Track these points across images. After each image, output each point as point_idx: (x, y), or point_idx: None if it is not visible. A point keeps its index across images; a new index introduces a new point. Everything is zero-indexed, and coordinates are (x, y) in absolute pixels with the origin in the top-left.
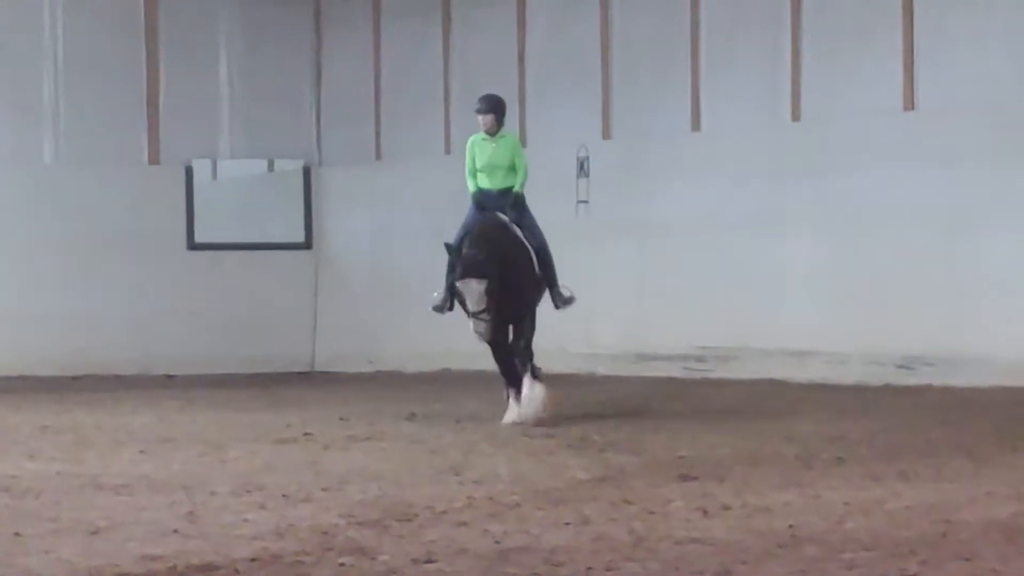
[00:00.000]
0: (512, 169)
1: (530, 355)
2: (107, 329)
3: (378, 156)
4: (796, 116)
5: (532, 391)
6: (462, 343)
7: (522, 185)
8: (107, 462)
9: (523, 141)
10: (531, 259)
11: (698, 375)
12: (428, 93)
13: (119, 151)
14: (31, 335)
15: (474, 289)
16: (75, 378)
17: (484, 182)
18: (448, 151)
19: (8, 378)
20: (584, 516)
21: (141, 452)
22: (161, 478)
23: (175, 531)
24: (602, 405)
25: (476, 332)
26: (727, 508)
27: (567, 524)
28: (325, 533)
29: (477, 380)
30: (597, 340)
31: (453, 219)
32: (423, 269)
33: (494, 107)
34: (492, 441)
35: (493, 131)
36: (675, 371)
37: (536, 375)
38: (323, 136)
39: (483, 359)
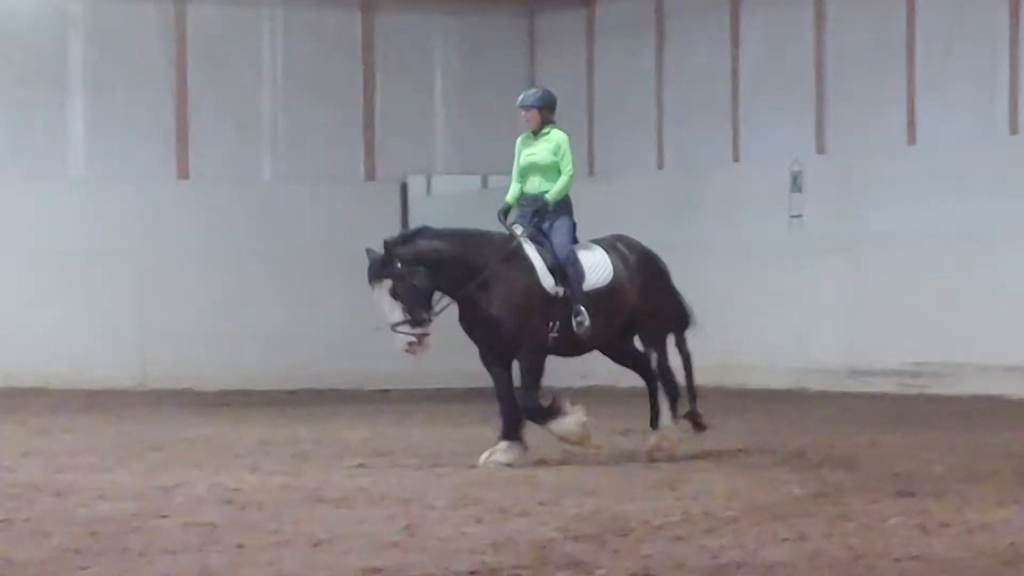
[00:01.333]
0: (556, 171)
1: (674, 390)
2: (324, 344)
3: (591, 172)
4: (1014, 129)
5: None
6: (674, 359)
7: (560, 192)
8: (326, 475)
9: (735, 155)
10: (526, 277)
11: (914, 391)
12: (640, 109)
13: (336, 168)
14: (249, 350)
15: (380, 296)
16: (292, 392)
17: (526, 186)
18: (661, 166)
19: (227, 392)
20: (801, 532)
21: (359, 466)
22: (379, 491)
23: (395, 544)
24: (816, 421)
25: (402, 351)
26: (946, 525)
27: (784, 540)
28: (542, 547)
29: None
30: (810, 355)
31: (666, 236)
32: None
33: (538, 101)
34: (707, 456)
35: (537, 128)
36: (890, 387)
37: (696, 419)
38: None
39: (696, 373)
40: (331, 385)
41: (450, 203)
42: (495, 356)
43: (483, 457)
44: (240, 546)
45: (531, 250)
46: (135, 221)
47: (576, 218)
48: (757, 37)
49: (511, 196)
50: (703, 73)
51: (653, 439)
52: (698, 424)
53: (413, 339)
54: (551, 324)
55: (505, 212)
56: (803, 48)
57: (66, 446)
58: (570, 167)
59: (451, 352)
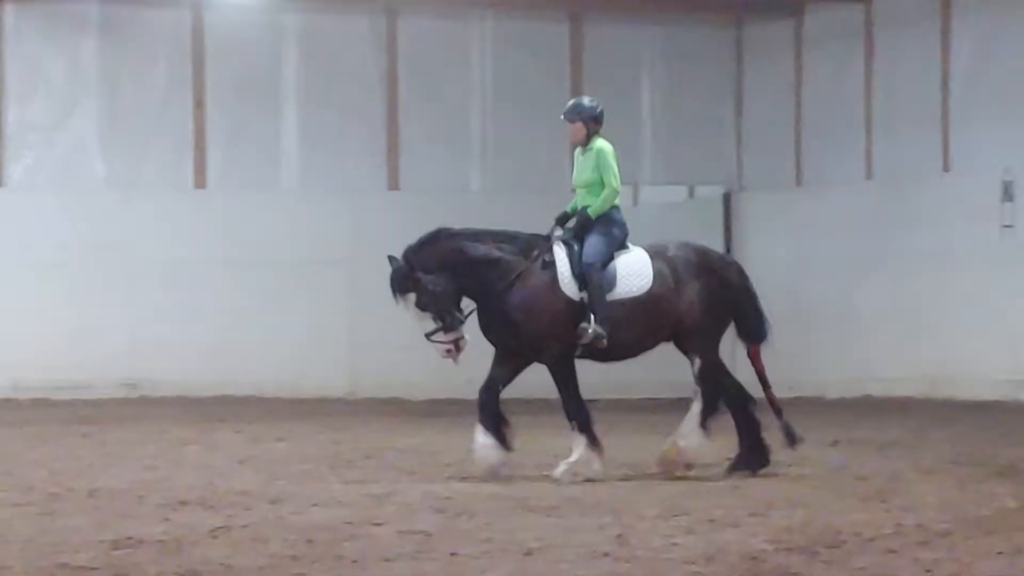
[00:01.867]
0: (600, 186)
1: (711, 404)
2: None
3: (798, 182)
4: None
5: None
6: (886, 369)
7: (601, 207)
8: (535, 484)
9: (945, 164)
10: (549, 281)
11: None
12: (849, 118)
13: (543, 178)
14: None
15: (407, 309)
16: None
17: (580, 202)
18: (869, 176)
19: (435, 401)
20: (1016, 546)
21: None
22: (589, 501)
23: (606, 554)
24: None
25: (442, 358)
26: None
27: (999, 554)
28: (754, 559)
29: (897, 406)
30: (1023, 366)
31: (875, 247)
32: (842, 297)
33: (579, 113)
34: (917, 468)
35: (584, 141)
36: None
37: (789, 434)
38: (743, 162)
39: (905, 384)
40: (538, 395)
41: (656, 213)
42: (511, 359)
43: (482, 460)
44: (453, 554)
45: (560, 254)
46: (346, 232)
47: (783, 227)
48: (968, 44)
49: (571, 206)
50: (912, 81)
51: (666, 449)
52: (791, 438)
53: (449, 346)
54: (583, 325)
55: (562, 219)
56: (1017, 54)
57: (280, 454)
58: (613, 181)
59: (658, 363)
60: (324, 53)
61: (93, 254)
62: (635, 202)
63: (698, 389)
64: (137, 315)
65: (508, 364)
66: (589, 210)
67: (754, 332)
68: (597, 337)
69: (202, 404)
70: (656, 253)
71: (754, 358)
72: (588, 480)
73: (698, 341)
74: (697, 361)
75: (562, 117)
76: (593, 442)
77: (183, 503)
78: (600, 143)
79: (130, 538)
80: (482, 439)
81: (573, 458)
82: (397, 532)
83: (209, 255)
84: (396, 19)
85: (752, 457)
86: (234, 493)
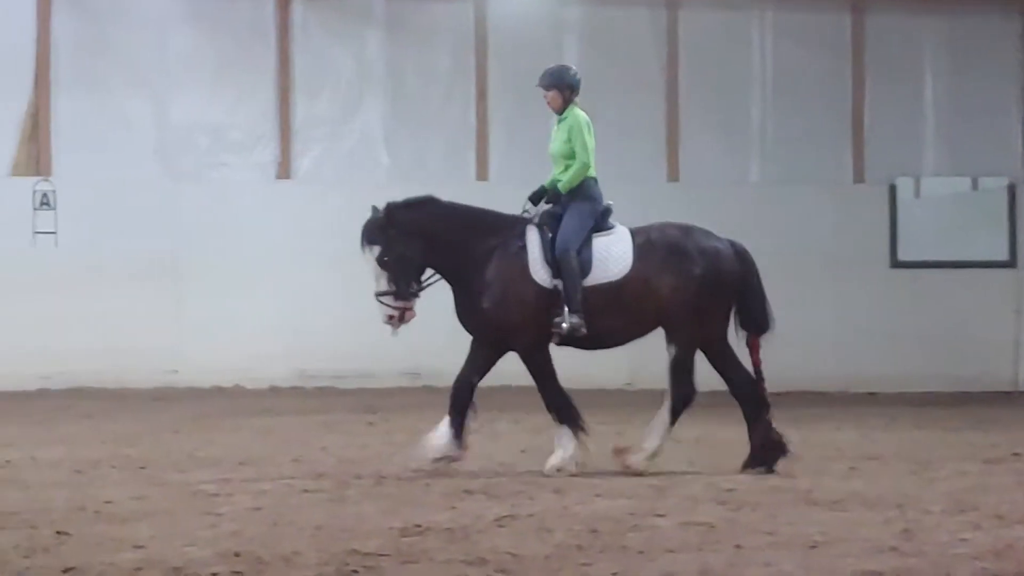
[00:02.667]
0: (573, 158)
1: (681, 399)
2: (808, 347)
3: None
4: None
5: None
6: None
7: (571, 181)
8: (817, 478)
9: None
10: (520, 268)
11: None
12: None
13: (823, 170)
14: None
15: (368, 261)
16: (779, 394)
17: (554, 174)
18: None
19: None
20: None
21: (851, 468)
22: (873, 495)
23: (892, 548)
24: None
25: (383, 322)
26: None
27: None
28: None
29: None
30: None
31: None
32: None
33: (555, 81)
34: None
35: (559, 110)
36: None
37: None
38: None
39: None
40: (816, 388)
41: (939, 205)
42: (487, 348)
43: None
44: (738, 547)
45: (533, 239)
46: (627, 223)
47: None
48: None
49: (548, 180)
50: None
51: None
52: (775, 444)
53: (393, 313)
54: (556, 319)
55: (537, 196)
56: None
57: None
58: (584, 154)
59: (936, 356)
60: (605, 46)
61: None
62: (917, 194)
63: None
64: (419, 306)
65: (482, 354)
66: (559, 185)
67: (753, 322)
68: (574, 328)
69: (481, 394)
70: (640, 234)
71: (752, 349)
72: (576, 471)
73: (679, 330)
74: (672, 350)
75: (537, 84)
76: (577, 432)
77: (468, 492)
78: (576, 113)
79: (418, 525)
80: (443, 430)
81: (562, 452)
82: (680, 524)
83: None
84: (677, 11)
85: (765, 453)
86: (518, 482)
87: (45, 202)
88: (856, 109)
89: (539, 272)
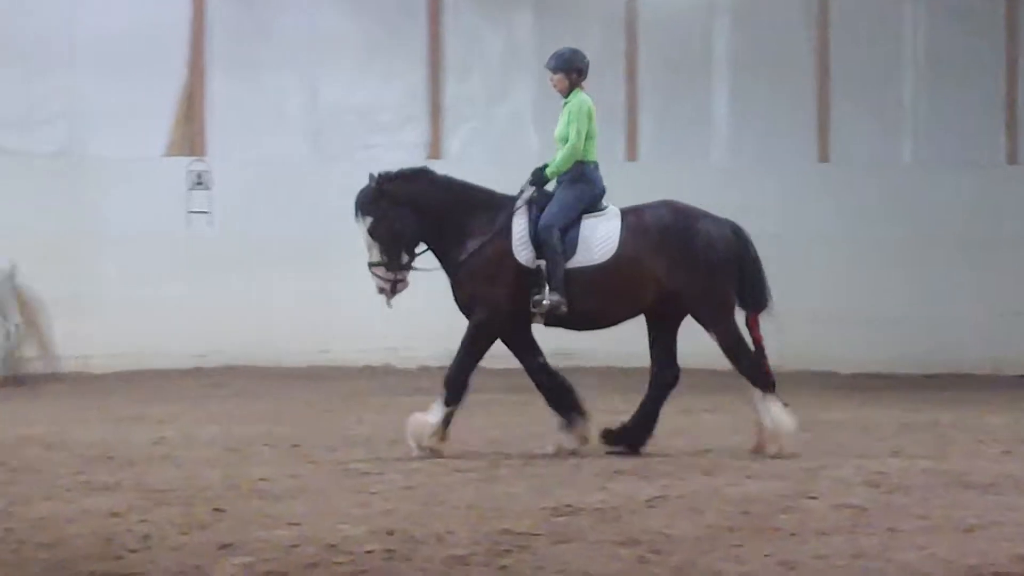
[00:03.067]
0: (567, 141)
1: (758, 374)
2: (958, 329)
3: None
4: None
5: None
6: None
7: (560, 164)
8: (970, 460)
9: None
10: (502, 246)
11: None
12: None
13: (976, 152)
14: (883, 334)
15: (360, 231)
16: (929, 377)
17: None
18: None
19: (862, 375)
20: None
21: (1004, 452)
22: None
23: None
24: None
25: (376, 293)
26: None
27: None
28: None
29: None
30: None
31: None
32: None
33: (564, 64)
34: None
35: (565, 93)
36: None
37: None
38: None
39: None
40: (967, 370)
41: None
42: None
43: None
44: (891, 530)
45: (520, 218)
46: (775, 206)
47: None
48: None
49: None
50: None
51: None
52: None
53: (385, 285)
54: (535, 299)
55: (540, 171)
56: None
57: (710, 425)
58: (576, 138)
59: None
60: (756, 26)
61: None
62: None
63: (737, 367)
64: None
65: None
66: (547, 170)
67: (751, 300)
68: (554, 306)
69: (601, 376)
70: (631, 215)
71: (752, 326)
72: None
73: (705, 314)
74: (714, 337)
75: (545, 66)
76: (449, 414)
77: (619, 472)
78: (579, 97)
79: (569, 506)
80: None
81: (428, 420)
82: (832, 506)
83: None
84: None
85: (630, 436)
86: (669, 463)
87: (199, 182)
88: (1010, 90)
89: (522, 252)
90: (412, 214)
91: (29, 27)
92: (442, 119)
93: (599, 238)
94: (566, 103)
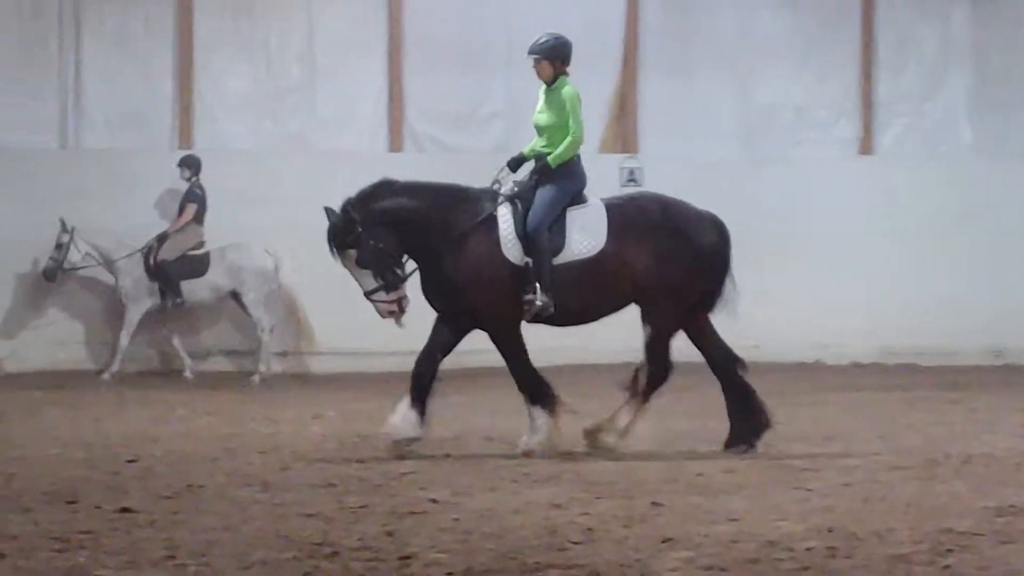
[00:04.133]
0: (564, 132)
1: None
2: None
3: None
4: None
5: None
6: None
7: (561, 155)
8: None
9: None
10: (491, 245)
11: None
12: None
13: None
14: None
15: (347, 266)
16: None
17: (537, 145)
18: None
19: None
20: None
21: None
22: None
23: None
24: None
25: (384, 319)
26: None
27: None
28: None
29: None
30: None
31: None
32: None
33: (548, 50)
34: None
35: (549, 80)
36: None
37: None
38: None
39: None
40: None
41: None
42: (453, 326)
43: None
44: None
45: (505, 215)
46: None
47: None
48: None
49: (528, 148)
50: None
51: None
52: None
53: (392, 307)
54: (528, 297)
55: (516, 162)
56: None
57: None
58: (577, 129)
59: None
60: None
61: (959, 222)
62: None
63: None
64: (1002, 283)
65: (449, 331)
66: (549, 159)
67: (708, 300)
68: (544, 307)
69: None
70: (614, 208)
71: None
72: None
73: (652, 308)
74: (648, 330)
75: (528, 53)
76: (551, 413)
77: None
78: (568, 86)
79: (1012, 506)
80: (403, 411)
81: (540, 433)
82: None
83: None
84: None
85: (745, 430)
86: None
87: (631, 179)
88: None
89: (511, 249)
90: (388, 230)
91: (471, 33)
92: (873, 115)
93: (585, 233)
94: (551, 90)
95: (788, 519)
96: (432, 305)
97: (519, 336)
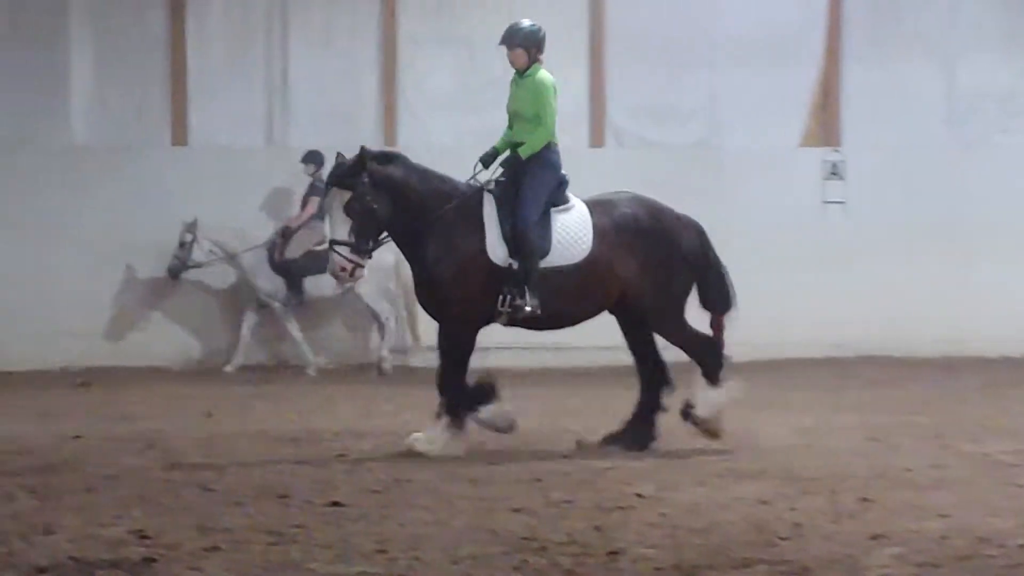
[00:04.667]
0: (538, 121)
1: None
2: None
3: None
4: None
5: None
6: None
7: (533, 146)
8: None
9: None
10: (474, 242)
11: None
12: None
13: None
14: None
15: (332, 204)
16: None
17: (509, 136)
18: None
19: None
20: None
21: None
22: None
23: None
24: None
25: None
26: None
27: None
28: None
29: None
30: None
31: None
32: None
33: (521, 39)
34: None
35: (523, 68)
36: None
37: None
38: None
39: None
40: None
41: None
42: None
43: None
44: None
45: (490, 211)
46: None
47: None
48: None
49: (500, 141)
50: None
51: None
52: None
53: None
54: (502, 299)
55: (489, 157)
56: None
57: None
58: (548, 119)
59: None
60: None
61: None
62: None
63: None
64: None
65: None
66: (521, 150)
67: (716, 302)
68: (532, 311)
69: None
70: (599, 211)
71: (716, 329)
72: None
73: (650, 315)
74: (632, 330)
75: (500, 42)
76: (456, 424)
77: None
78: (541, 74)
79: None
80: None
81: (436, 443)
82: None
83: None
84: None
85: (635, 435)
86: None
87: (834, 172)
88: None
89: (496, 250)
90: (389, 198)
91: (675, 29)
92: None
93: (572, 237)
94: (524, 77)
95: (999, 515)
96: (417, 295)
97: (473, 340)
